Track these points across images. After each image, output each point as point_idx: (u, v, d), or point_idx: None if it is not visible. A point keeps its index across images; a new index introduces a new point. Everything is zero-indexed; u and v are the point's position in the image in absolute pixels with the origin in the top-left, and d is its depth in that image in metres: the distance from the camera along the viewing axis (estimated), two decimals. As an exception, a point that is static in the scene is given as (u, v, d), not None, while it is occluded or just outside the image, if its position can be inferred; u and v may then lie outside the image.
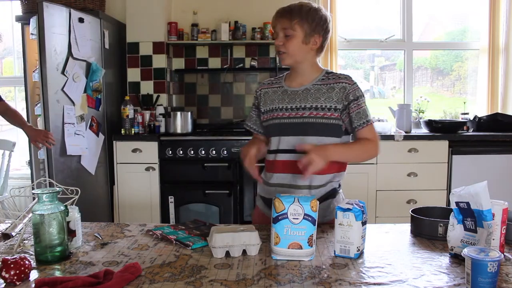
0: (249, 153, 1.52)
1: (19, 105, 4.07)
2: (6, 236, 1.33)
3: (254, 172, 1.52)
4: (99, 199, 3.31)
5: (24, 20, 3.22)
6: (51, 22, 2.80)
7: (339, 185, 1.62)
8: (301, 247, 1.15)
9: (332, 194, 1.56)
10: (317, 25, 1.50)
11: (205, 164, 3.23)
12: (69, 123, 2.92)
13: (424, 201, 3.17)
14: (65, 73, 2.90)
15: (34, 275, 1.07)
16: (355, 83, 1.53)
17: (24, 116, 3.10)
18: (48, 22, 2.77)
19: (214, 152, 3.23)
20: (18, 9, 3.38)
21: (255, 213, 1.71)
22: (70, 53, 2.94)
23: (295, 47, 1.50)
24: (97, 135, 3.20)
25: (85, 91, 3.07)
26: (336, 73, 1.57)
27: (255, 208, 1.72)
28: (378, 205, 3.27)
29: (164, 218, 3.29)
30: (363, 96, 1.54)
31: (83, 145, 3.03)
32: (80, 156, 3.03)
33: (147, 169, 3.26)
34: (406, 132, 3.34)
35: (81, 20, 3.01)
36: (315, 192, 1.52)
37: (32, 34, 2.97)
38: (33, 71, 3.16)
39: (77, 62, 3.00)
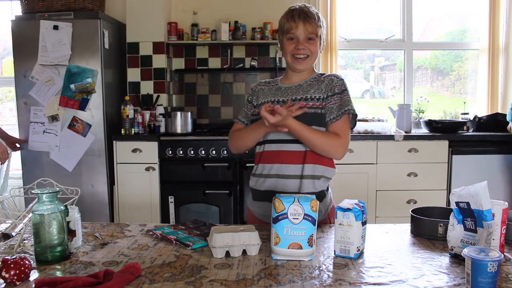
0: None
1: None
2: (6, 236, 1.32)
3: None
4: (99, 199, 3.32)
5: (24, 20, 3.24)
6: (19, 34, 3.25)
7: (327, 188, 1.62)
8: (301, 247, 1.15)
9: (320, 197, 1.55)
10: (323, 29, 1.61)
11: (205, 164, 3.23)
12: (36, 122, 3.27)
13: (424, 201, 3.17)
14: (30, 78, 3.25)
15: (34, 275, 1.07)
16: (343, 80, 1.59)
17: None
18: (17, 34, 3.24)
19: (214, 152, 3.23)
20: (18, 9, 3.38)
21: (248, 215, 1.73)
22: (37, 59, 3.22)
23: (316, 51, 1.59)
24: (84, 136, 3.26)
25: (64, 93, 3.24)
26: (327, 73, 1.65)
27: (248, 210, 1.72)
28: (378, 205, 3.27)
29: (164, 218, 3.29)
30: (349, 94, 1.57)
31: (53, 142, 3.27)
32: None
33: (147, 169, 3.26)
34: (406, 132, 3.34)
35: (55, 27, 3.18)
36: (306, 183, 1.53)
37: None
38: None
39: (47, 67, 3.24)
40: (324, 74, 1.63)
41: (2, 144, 2.92)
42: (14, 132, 3.40)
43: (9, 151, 3.15)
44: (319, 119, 1.54)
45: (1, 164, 3.14)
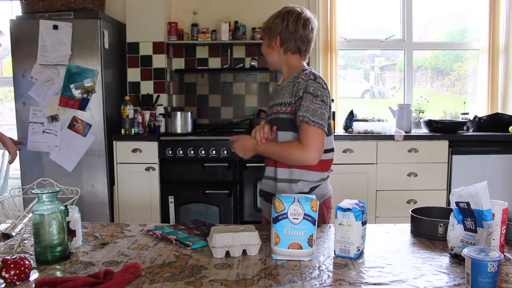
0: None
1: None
2: (6, 236, 1.32)
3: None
4: (99, 199, 3.32)
5: (23, 20, 3.25)
6: (18, 34, 3.21)
7: (311, 190, 1.58)
8: (301, 247, 1.15)
9: None
10: (276, 26, 1.60)
11: (205, 164, 3.23)
12: (36, 122, 3.28)
13: (424, 201, 3.17)
14: (29, 78, 3.24)
15: (34, 275, 1.08)
16: (310, 79, 1.50)
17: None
18: (16, 34, 3.21)
19: (214, 152, 3.23)
20: (18, 9, 3.38)
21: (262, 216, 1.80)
22: (36, 59, 3.22)
23: (264, 51, 1.68)
24: (84, 136, 3.26)
25: (64, 93, 3.24)
26: (306, 70, 1.56)
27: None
28: (378, 205, 3.27)
29: (164, 218, 3.29)
30: (316, 95, 1.48)
31: (52, 142, 3.27)
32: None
33: (147, 169, 3.26)
34: (406, 132, 3.34)
35: (55, 27, 3.18)
36: (280, 185, 1.58)
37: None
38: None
39: (47, 67, 3.23)
40: (305, 71, 1.56)
41: (13, 144, 2.92)
42: (13, 132, 3.40)
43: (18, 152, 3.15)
44: (293, 124, 1.54)
45: (9, 164, 3.14)
